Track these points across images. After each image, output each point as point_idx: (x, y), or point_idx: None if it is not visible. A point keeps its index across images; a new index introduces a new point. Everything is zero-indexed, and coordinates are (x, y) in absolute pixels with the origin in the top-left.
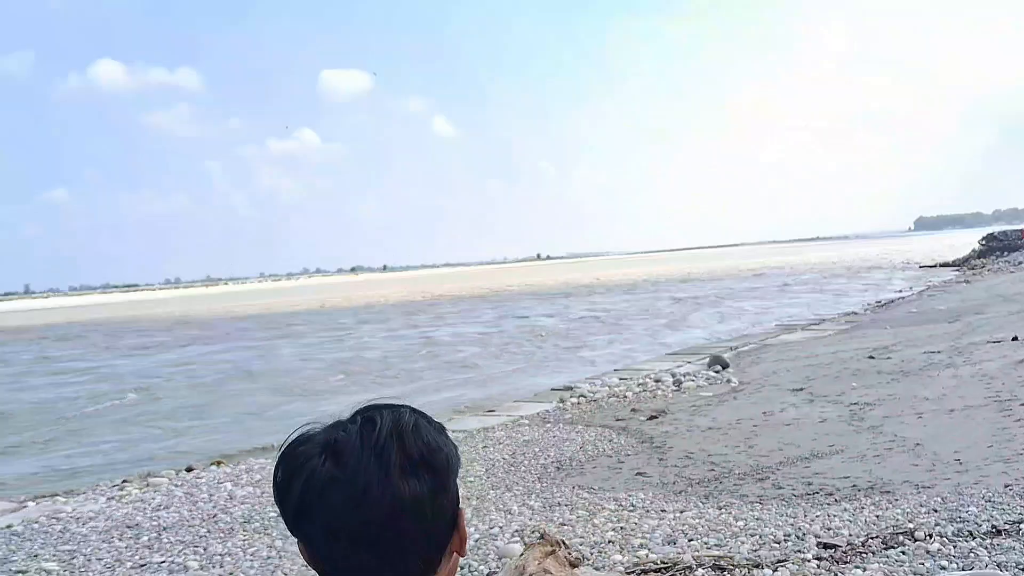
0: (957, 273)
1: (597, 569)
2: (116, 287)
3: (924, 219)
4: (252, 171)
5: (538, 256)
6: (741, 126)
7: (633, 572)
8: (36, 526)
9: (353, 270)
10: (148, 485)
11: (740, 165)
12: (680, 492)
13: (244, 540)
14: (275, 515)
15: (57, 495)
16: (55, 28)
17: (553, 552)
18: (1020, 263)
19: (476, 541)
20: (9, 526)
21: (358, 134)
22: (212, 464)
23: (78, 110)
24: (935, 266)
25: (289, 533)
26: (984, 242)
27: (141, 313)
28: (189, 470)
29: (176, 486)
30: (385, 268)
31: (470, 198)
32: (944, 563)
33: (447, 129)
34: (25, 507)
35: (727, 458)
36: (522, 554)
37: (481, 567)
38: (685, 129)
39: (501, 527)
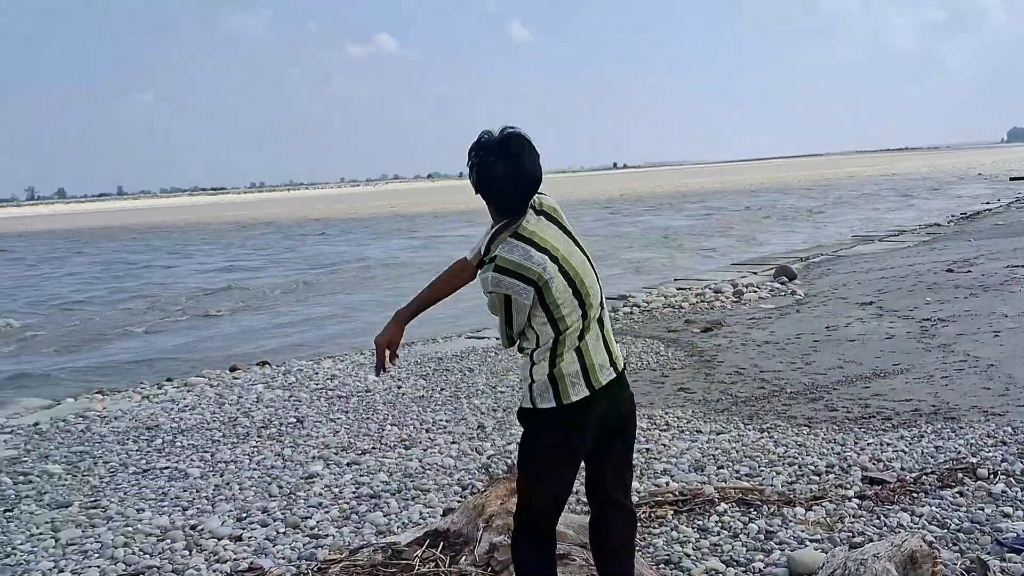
0: None
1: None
2: (204, 190)
3: (1018, 130)
4: (331, 75)
5: (615, 165)
6: (828, 31)
7: (646, 503)
8: (62, 424)
9: (430, 176)
10: (185, 385)
11: (827, 72)
12: (723, 411)
13: (254, 447)
14: (294, 420)
15: (100, 392)
16: None
17: None
18: None
19: (468, 466)
20: (36, 424)
21: (435, 39)
22: (256, 364)
23: (161, 13)
24: None
25: (298, 443)
26: None
27: (230, 215)
28: (233, 369)
29: (211, 386)
30: (461, 175)
31: (546, 104)
32: (1007, 509)
33: (523, 34)
34: (60, 404)
35: (780, 375)
36: (484, 490)
37: (452, 500)
38: (769, 34)
39: (499, 449)
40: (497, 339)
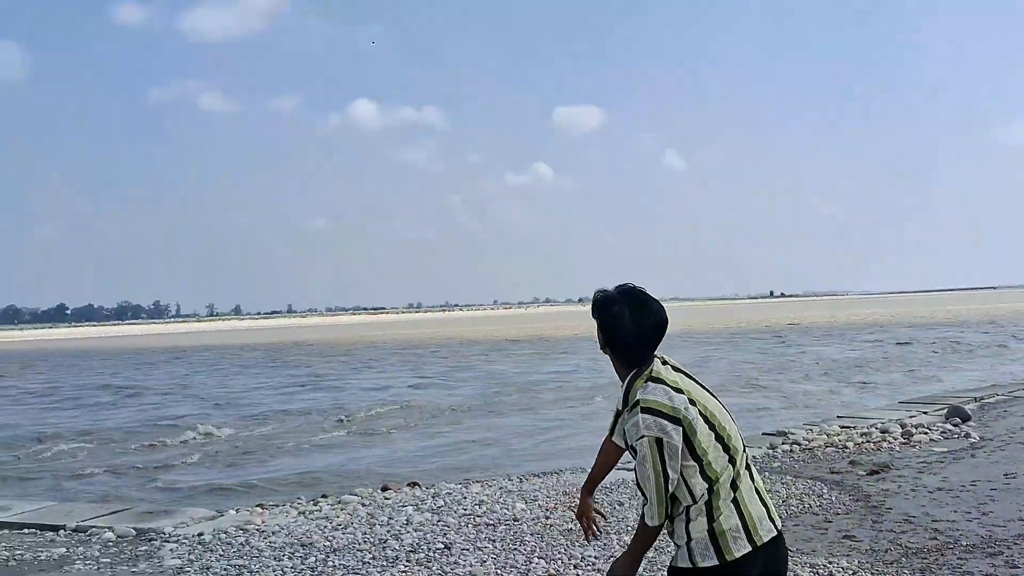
0: None
1: None
2: (365, 309)
3: None
4: (489, 203)
5: (771, 293)
6: (1001, 158)
7: None
8: (223, 536)
9: (580, 300)
10: (340, 502)
11: (1001, 201)
12: (891, 563)
13: (403, 572)
14: (441, 546)
15: (260, 506)
16: (319, 72)
17: None
18: None
19: None
20: (200, 534)
21: (590, 168)
22: (407, 485)
23: (337, 146)
24: None
25: (445, 570)
26: None
27: (383, 334)
28: (384, 489)
29: (364, 505)
30: None
31: (701, 232)
32: None
33: (678, 162)
34: (223, 516)
35: (955, 525)
36: None
37: None
38: (938, 162)
39: None
40: None
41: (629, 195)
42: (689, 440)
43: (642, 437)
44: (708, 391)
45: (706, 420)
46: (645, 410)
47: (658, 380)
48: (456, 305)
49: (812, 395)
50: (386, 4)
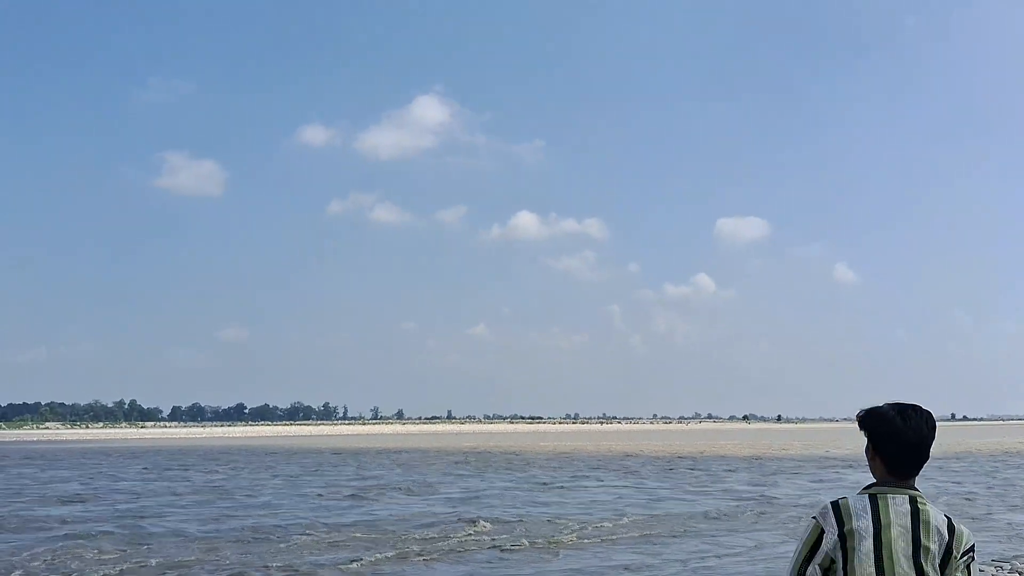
0: None
1: None
2: (522, 418)
3: None
4: (649, 314)
5: (952, 416)
6: None
7: None
8: None
9: (745, 418)
10: None
11: None
12: None
13: None
14: None
15: None
16: (484, 185)
17: None
18: None
19: None
20: None
21: (753, 280)
22: None
23: (498, 256)
24: None
25: None
26: None
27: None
28: None
29: None
30: (780, 418)
31: (872, 349)
32: None
33: (848, 275)
34: None
35: None
36: None
37: None
38: None
39: None
40: None
41: (796, 309)
42: (846, 558)
43: (813, 518)
44: (921, 539)
45: (878, 552)
46: (833, 503)
47: (873, 496)
48: (614, 417)
49: (1005, 527)
50: (548, 121)
